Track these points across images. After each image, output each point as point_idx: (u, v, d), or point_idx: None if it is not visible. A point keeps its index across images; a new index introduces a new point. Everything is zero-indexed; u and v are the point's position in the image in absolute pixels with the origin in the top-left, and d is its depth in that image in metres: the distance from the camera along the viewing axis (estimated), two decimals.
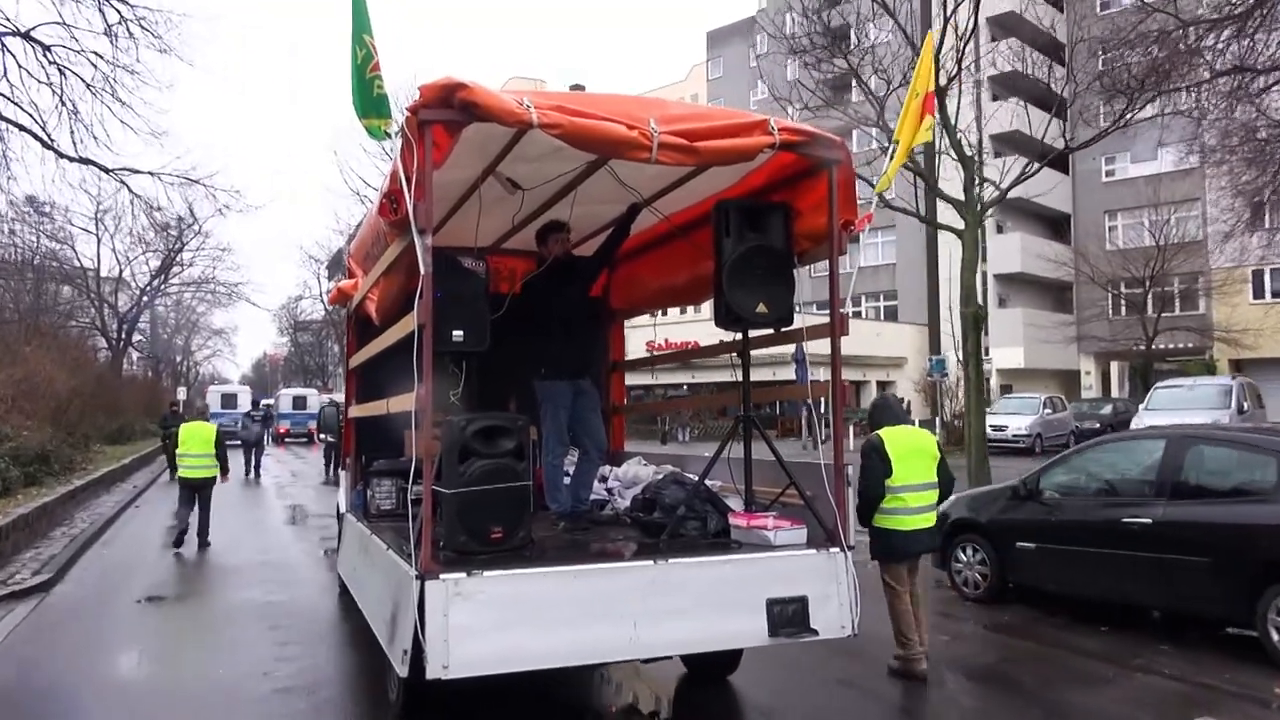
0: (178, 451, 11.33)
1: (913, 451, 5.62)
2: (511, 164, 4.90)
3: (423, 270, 3.85)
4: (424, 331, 3.89)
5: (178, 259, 39.84)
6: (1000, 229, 38.57)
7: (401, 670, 3.85)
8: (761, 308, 4.84)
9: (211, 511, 11.38)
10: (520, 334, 5.21)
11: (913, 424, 6.11)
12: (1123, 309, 35.03)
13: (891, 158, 5.07)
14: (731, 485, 5.26)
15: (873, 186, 5.42)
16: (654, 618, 4.10)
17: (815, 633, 4.36)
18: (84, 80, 16.91)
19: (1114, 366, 37.96)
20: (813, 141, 4.56)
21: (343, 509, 7.98)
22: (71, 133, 17.37)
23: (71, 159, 17.67)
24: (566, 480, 5.77)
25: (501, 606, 3.85)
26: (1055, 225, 41.08)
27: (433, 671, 3.69)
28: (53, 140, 17.25)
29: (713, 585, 4.26)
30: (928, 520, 5.67)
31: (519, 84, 30.44)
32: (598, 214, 5.95)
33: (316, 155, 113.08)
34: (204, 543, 11.11)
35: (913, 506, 5.57)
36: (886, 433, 5.64)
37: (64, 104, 16.94)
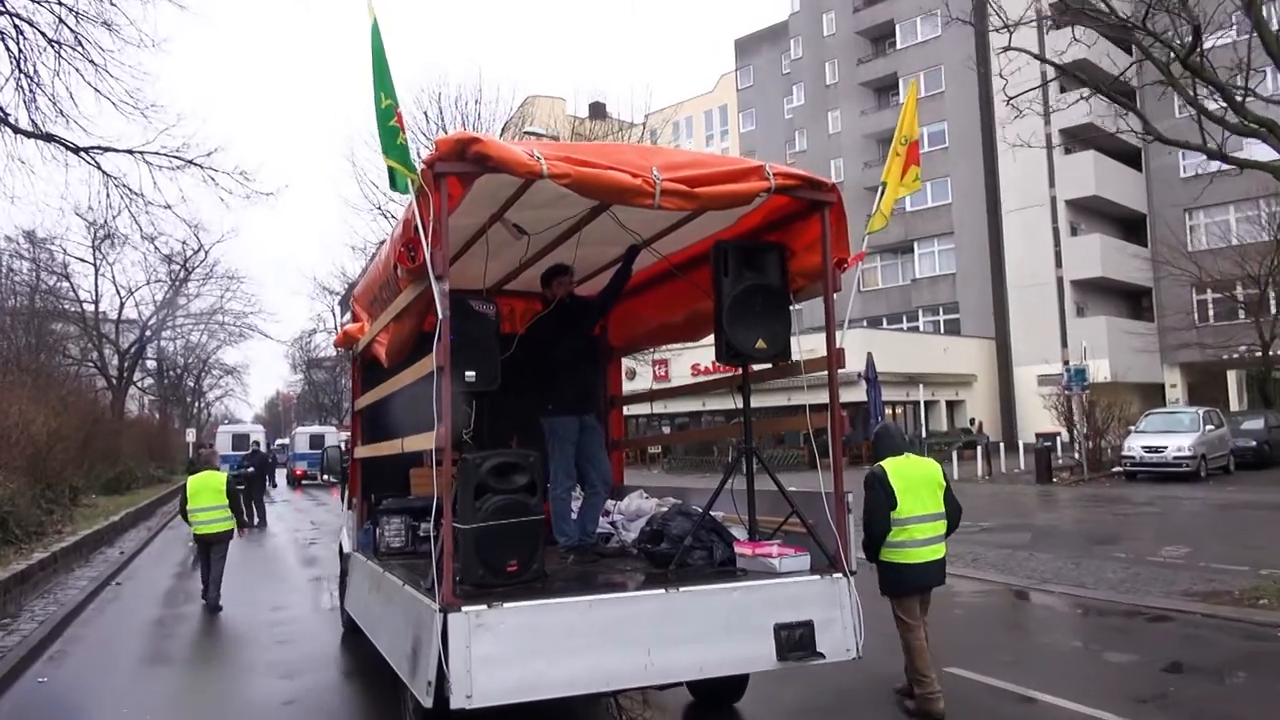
0: (188, 506, 10.16)
1: (917, 482, 5.52)
2: (518, 210, 5.12)
3: (440, 314, 4.02)
4: (442, 373, 4.03)
5: (183, 290, 38.17)
6: (1074, 231, 36.43)
7: (426, 701, 3.96)
8: (760, 344, 5.05)
9: (224, 571, 10.10)
10: (524, 373, 5.37)
11: (922, 453, 5.93)
12: (1211, 314, 32.34)
13: (880, 198, 5.27)
14: (735, 516, 5.39)
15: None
16: (667, 644, 4.25)
17: (822, 656, 4.49)
18: (45, 35, 13.35)
19: (1200, 375, 34.45)
20: (806, 185, 4.79)
21: (347, 548, 8.05)
22: (25, 101, 13.73)
23: (29, 134, 14.29)
24: (573, 515, 5.91)
25: (522, 637, 3.99)
26: (1129, 227, 38.80)
27: (456, 702, 3.81)
28: (5, 113, 13.85)
29: (722, 611, 4.41)
30: (936, 552, 5.55)
31: (538, 103, 30.20)
32: (599, 255, 6.17)
33: (323, 157, 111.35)
34: (215, 603, 9.94)
35: (919, 539, 5.47)
36: (889, 463, 5.56)
37: (20, 69, 13.43)
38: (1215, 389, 33.51)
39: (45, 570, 11.43)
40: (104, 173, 15.76)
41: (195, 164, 16.23)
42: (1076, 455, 25.02)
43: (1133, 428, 24.14)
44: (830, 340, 4.96)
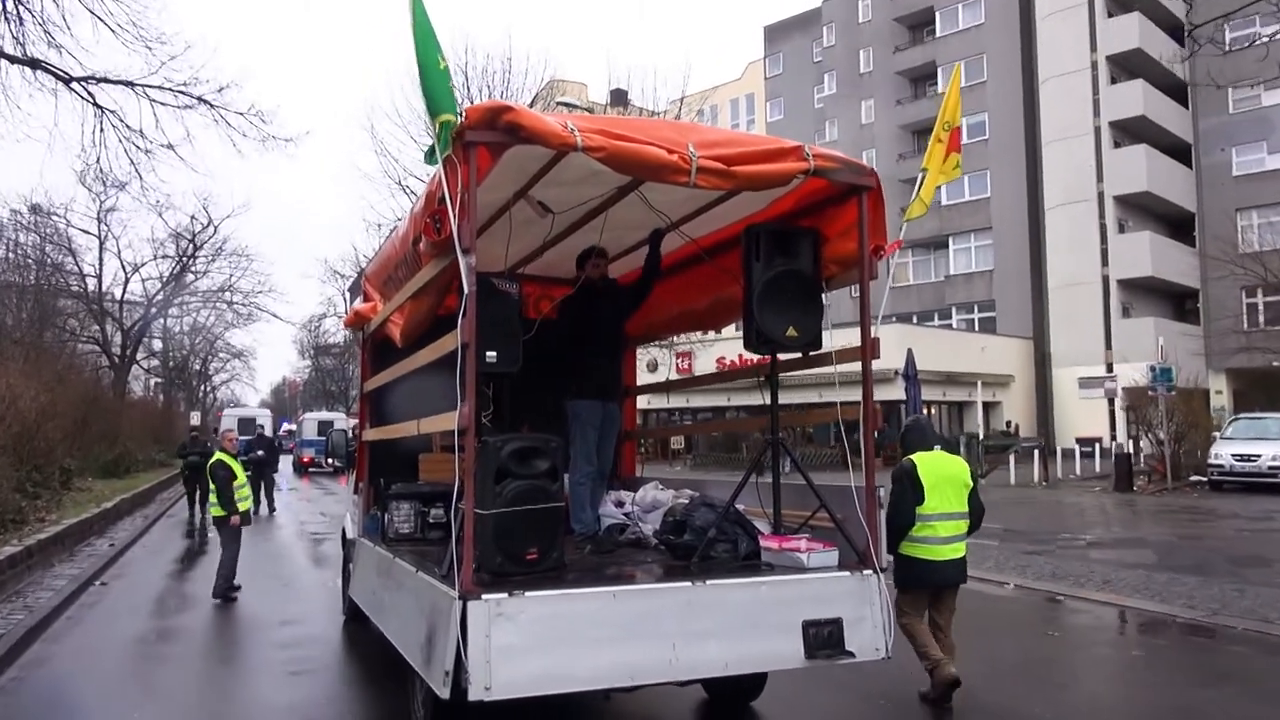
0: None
1: (945, 479, 5.68)
2: (543, 187, 5.14)
3: (466, 289, 4.02)
4: (467, 351, 4.06)
5: (191, 266, 37.73)
6: (1122, 228, 36.47)
7: (443, 692, 3.93)
8: (791, 331, 5.04)
9: (237, 558, 9.74)
10: (540, 357, 5.40)
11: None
12: (1261, 318, 32.22)
13: (921, 185, 5.31)
14: (759, 509, 5.43)
15: None
16: (692, 639, 4.24)
17: (851, 655, 4.50)
18: None
19: (1248, 381, 33.69)
20: (845, 168, 4.80)
21: (350, 534, 8.15)
22: (10, 20, 12.52)
23: (14, 60, 13.00)
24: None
25: (543, 627, 3.98)
26: (1176, 225, 38.72)
27: (475, 693, 3.79)
28: None
29: (749, 607, 4.41)
30: (957, 551, 5.70)
31: (559, 87, 30.31)
32: (623, 239, 6.19)
33: (340, 127, 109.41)
34: (220, 593, 9.69)
35: (943, 536, 5.63)
36: (919, 458, 5.71)
37: None
38: (1261, 396, 32.84)
39: (18, 567, 9.97)
40: (98, 106, 14.27)
41: (205, 101, 14.64)
42: (1145, 462, 24.20)
43: (1217, 434, 23.33)
44: (865, 329, 4.98)
